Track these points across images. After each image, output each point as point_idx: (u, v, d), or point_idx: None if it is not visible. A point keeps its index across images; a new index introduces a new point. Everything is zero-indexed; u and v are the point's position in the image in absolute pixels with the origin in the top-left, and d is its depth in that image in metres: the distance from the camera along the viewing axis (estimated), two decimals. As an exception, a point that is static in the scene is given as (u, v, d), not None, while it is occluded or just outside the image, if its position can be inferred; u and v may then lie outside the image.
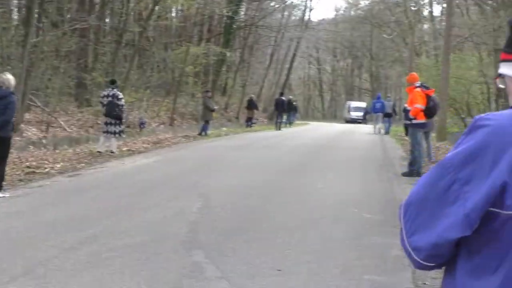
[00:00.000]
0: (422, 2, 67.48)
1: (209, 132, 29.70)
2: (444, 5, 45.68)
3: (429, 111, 15.22)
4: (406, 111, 16.08)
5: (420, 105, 15.21)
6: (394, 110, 40.49)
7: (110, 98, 18.70)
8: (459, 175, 1.78)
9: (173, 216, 9.41)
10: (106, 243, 7.69)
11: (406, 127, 17.99)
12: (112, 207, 10.08)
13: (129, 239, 7.91)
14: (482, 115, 1.89)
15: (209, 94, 32.14)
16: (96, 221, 8.93)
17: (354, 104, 74.85)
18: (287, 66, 61.36)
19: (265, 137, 29.68)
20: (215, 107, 32.20)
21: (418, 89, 15.34)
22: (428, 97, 15.19)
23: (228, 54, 43.39)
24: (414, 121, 15.49)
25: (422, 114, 15.23)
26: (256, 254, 7.33)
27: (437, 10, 67.74)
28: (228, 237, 8.13)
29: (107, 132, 18.87)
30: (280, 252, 7.48)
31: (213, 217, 9.40)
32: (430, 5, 68.16)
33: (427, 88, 15.41)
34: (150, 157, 18.67)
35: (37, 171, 14.58)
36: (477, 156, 1.77)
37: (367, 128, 46.44)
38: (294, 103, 49.11)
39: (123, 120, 19.92)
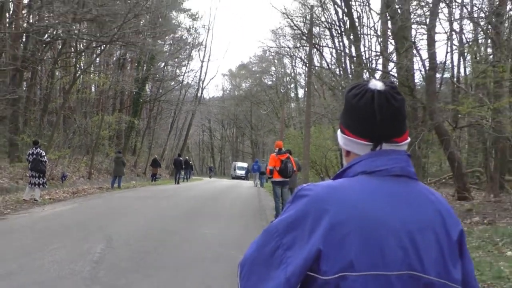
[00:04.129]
0: (289, 86, 69.87)
1: (122, 184, 29.03)
2: (306, 89, 47.01)
3: (281, 172, 15.38)
4: None
5: (270, 166, 15.53)
6: (267, 170, 41.05)
7: (34, 156, 17.99)
8: (283, 241, 1.57)
9: (79, 255, 8.84)
10: (17, 280, 7.12)
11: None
12: (27, 247, 9.41)
13: (38, 276, 7.34)
14: (304, 185, 1.69)
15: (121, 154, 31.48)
16: (11, 260, 8.29)
17: (238, 164, 75.27)
18: (184, 133, 61.29)
19: (166, 189, 29.12)
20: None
21: (274, 154, 15.63)
22: (281, 161, 15.38)
23: (136, 122, 43.82)
24: (272, 179, 15.82)
25: (276, 173, 15.43)
26: (146, 289, 6.95)
27: (300, 92, 69.80)
28: (124, 274, 7.66)
29: (31, 183, 18.12)
30: None
31: (113, 256, 8.87)
32: (295, 88, 70.65)
33: (280, 153, 15.55)
34: (68, 205, 17.88)
35: (-33, 216, 13.82)
36: (298, 224, 1.57)
37: (248, 183, 46.69)
38: (190, 162, 48.94)
39: (46, 174, 19.19)
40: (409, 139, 1.76)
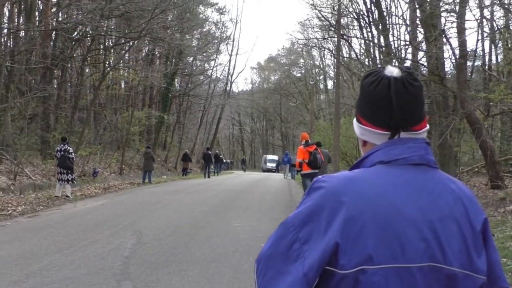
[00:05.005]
0: (318, 78, 69.66)
1: (152, 179, 29.23)
2: (335, 80, 46.83)
3: (311, 164, 15.28)
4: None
5: (299, 159, 15.47)
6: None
7: (62, 152, 18.26)
8: (299, 235, 1.52)
9: (110, 251, 8.91)
10: (48, 276, 7.20)
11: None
12: (59, 244, 9.52)
13: (69, 272, 7.41)
14: (320, 177, 1.63)
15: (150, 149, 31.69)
16: (43, 256, 8.41)
17: (269, 157, 75.39)
18: (214, 126, 61.51)
19: (196, 183, 29.20)
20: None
21: (301, 146, 15.55)
22: (309, 152, 15.28)
23: (166, 117, 44.04)
24: (301, 172, 15.72)
25: (305, 165, 15.35)
26: (176, 285, 6.95)
27: (329, 84, 69.49)
28: (154, 269, 7.70)
29: (61, 180, 18.35)
30: (197, 282, 7.10)
31: (143, 252, 8.92)
32: (325, 80, 70.36)
33: (308, 145, 15.47)
34: (99, 201, 18.07)
35: (1, 213, 14.12)
36: (314, 217, 1.52)
37: (279, 175, 46.65)
38: (220, 156, 49.02)
39: (74, 170, 19.48)
40: (427, 127, 1.70)
